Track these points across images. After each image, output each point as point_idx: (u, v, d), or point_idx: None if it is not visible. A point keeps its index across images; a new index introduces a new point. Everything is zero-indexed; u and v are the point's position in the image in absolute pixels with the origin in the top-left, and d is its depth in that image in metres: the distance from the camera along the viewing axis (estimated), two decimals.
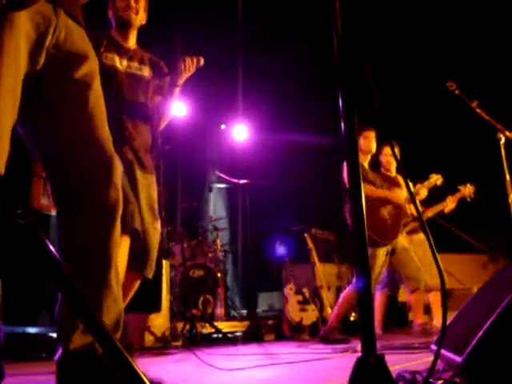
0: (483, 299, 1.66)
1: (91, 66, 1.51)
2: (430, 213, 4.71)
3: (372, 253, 4.01)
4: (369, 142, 4.27)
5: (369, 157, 4.38)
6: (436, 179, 4.56)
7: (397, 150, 4.64)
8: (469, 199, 4.61)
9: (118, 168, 1.54)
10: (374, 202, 4.11)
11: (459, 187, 4.70)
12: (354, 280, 4.19)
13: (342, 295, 4.17)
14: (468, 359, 1.25)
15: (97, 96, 1.51)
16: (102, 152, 1.50)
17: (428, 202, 4.69)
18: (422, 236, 4.68)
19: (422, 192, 4.49)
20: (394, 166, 4.65)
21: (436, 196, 4.63)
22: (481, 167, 5.26)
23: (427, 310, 4.69)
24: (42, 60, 1.37)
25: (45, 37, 1.35)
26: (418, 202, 4.45)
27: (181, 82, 2.63)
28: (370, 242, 4.43)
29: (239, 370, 2.40)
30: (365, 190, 4.34)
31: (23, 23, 1.27)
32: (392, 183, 4.42)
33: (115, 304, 1.50)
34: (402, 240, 4.31)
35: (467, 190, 4.62)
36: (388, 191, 4.24)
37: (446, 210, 4.68)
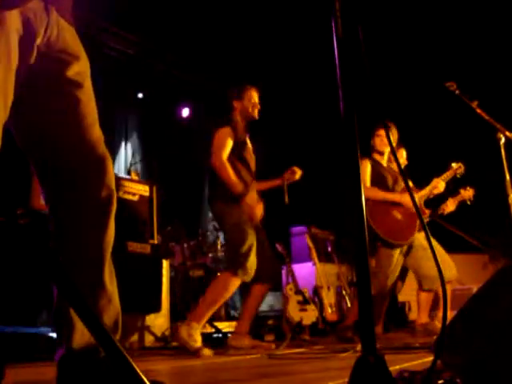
0: (483, 299, 1.66)
1: (83, 66, 1.48)
2: (429, 213, 4.70)
3: (387, 253, 3.99)
4: (381, 139, 4.25)
5: (385, 156, 4.36)
6: (456, 168, 4.41)
7: (404, 153, 4.62)
8: (468, 202, 4.62)
9: (111, 168, 1.52)
10: (385, 204, 4.08)
11: (460, 190, 4.69)
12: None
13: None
14: (467, 359, 1.25)
15: (88, 96, 1.49)
16: (93, 152, 1.48)
17: (429, 203, 4.68)
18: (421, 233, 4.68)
19: (441, 185, 4.37)
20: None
21: (436, 197, 4.62)
22: (481, 167, 5.26)
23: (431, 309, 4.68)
24: (32, 58, 1.33)
25: (35, 34, 1.32)
26: (432, 196, 4.41)
27: None
28: (385, 243, 4.32)
29: (236, 370, 2.40)
30: (376, 194, 4.19)
31: (14, 20, 1.24)
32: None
33: (111, 304, 1.48)
34: (421, 238, 4.23)
35: (467, 192, 4.63)
36: (399, 195, 4.17)
37: (446, 212, 4.67)
